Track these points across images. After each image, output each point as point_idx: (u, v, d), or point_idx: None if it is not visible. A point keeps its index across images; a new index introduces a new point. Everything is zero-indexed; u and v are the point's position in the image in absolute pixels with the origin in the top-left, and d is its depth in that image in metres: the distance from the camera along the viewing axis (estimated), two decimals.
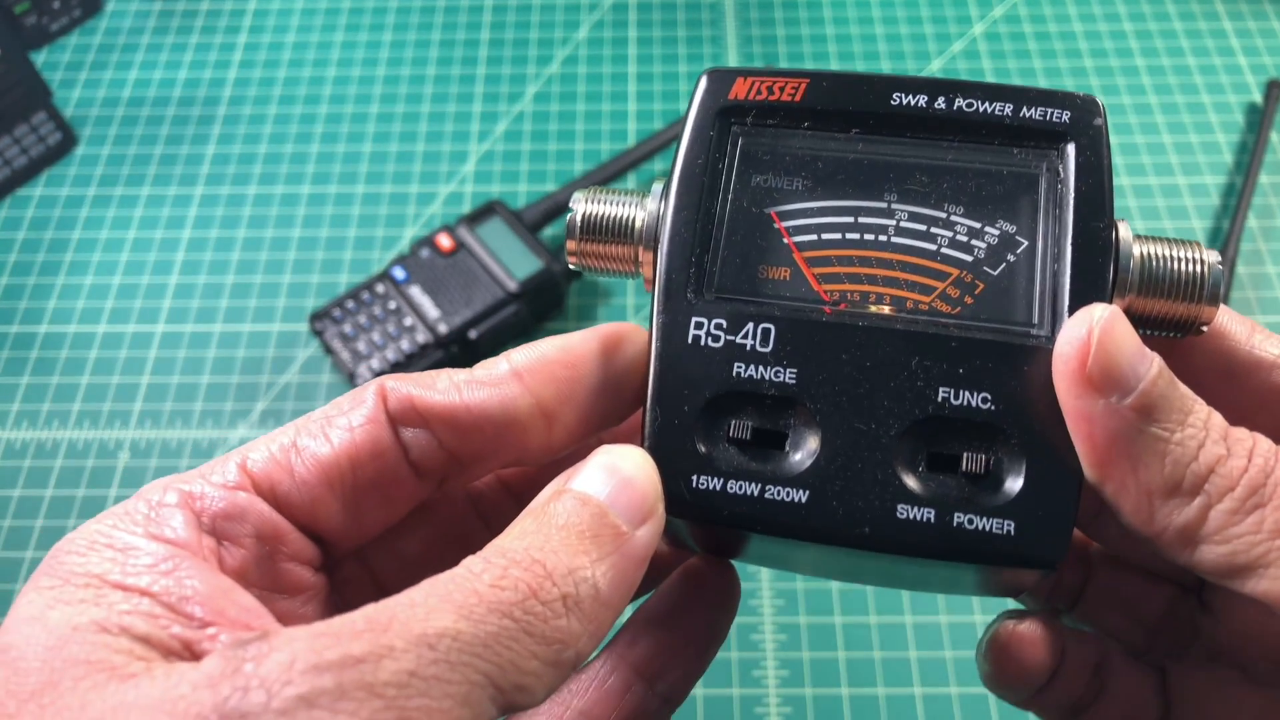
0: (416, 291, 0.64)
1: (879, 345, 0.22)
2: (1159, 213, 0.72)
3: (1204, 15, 0.83)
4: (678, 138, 0.24)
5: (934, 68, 0.80)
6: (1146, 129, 0.76)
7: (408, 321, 0.63)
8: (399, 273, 0.65)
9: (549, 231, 0.70)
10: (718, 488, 0.22)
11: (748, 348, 0.22)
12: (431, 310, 0.63)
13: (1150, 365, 0.21)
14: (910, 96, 0.23)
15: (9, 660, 0.19)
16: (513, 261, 0.65)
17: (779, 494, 0.22)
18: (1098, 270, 0.22)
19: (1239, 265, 0.67)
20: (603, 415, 0.25)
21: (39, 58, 0.82)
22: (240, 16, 0.85)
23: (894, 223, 0.23)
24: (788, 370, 0.22)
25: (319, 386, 0.65)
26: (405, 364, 0.62)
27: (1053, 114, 0.23)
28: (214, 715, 0.17)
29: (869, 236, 0.23)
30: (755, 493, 0.22)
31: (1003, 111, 0.23)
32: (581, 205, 0.24)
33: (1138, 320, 0.24)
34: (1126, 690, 0.28)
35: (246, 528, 0.22)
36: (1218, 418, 0.22)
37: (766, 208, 0.24)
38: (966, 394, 0.22)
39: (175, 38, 0.84)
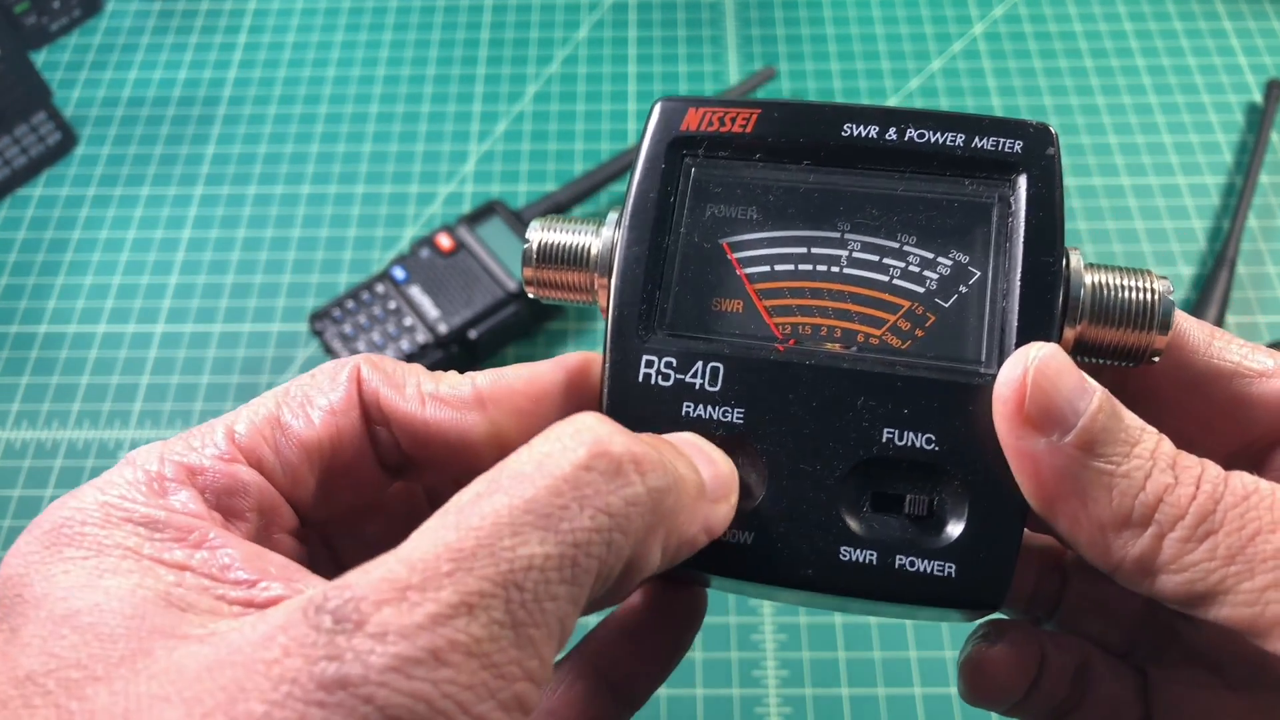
0: (416, 291, 0.64)
1: (826, 384, 0.22)
2: (1159, 213, 0.72)
3: (1204, 15, 0.83)
4: (631, 167, 0.24)
5: (934, 67, 0.80)
6: (1146, 129, 0.76)
7: (408, 321, 0.63)
8: (399, 273, 0.65)
9: None
10: None
11: (696, 387, 0.23)
12: (431, 310, 0.63)
13: (1090, 399, 0.21)
14: (861, 127, 0.23)
15: (86, 626, 0.18)
16: (512, 261, 0.65)
17: (726, 535, 0.22)
18: (1045, 305, 0.22)
19: (1239, 265, 0.67)
20: None
21: (39, 58, 0.82)
22: (240, 16, 0.85)
23: (846, 253, 0.23)
24: (735, 410, 0.22)
25: None
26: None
27: (1005, 144, 0.23)
28: (312, 685, 0.16)
29: (821, 268, 0.23)
30: None
31: (954, 142, 0.23)
32: (537, 235, 0.25)
33: (1090, 349, 0.24)
34: (1108, 693, 0.28)
35: (249, 502, 0.22)
36: (1166, 445, 0.22)
37: (719, 239, 0.24)
38: (911, 434, 0.22)
39: (175, 38, 0.84)
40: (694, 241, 0.24)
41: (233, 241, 0.72)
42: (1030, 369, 0.21)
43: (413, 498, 0.28)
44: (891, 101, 0.78)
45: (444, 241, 0.66)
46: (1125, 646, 0.29)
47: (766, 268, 0.23)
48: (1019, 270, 0.22)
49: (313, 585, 0.20)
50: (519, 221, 0.66)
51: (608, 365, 0.23)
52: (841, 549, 0.22)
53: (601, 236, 0.24)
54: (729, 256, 0.23)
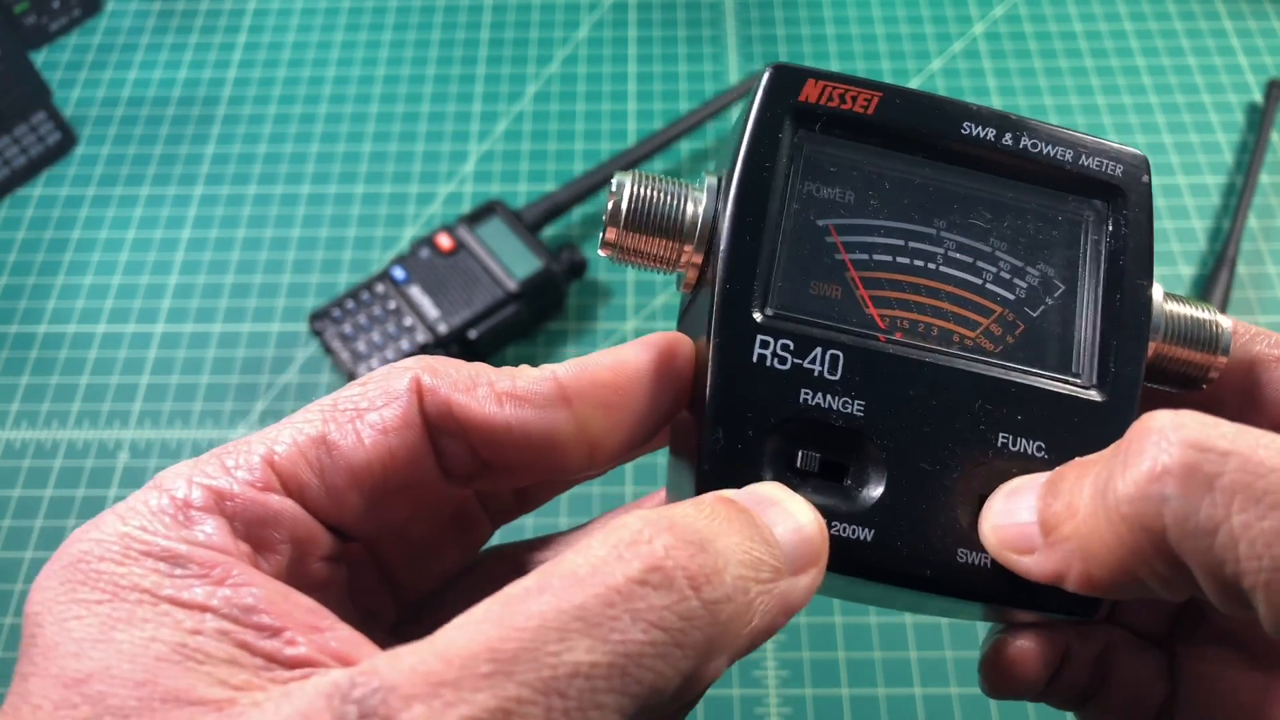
0: (416, 291, 0.64)
1: (944, 384, 0.22)
2: (1160, 212, 0.72)
3: (1204, 15, 0.83)
4: (738, 133, 0.23)
5: (934, 67, 0.80)
6: (1147, 129, 0.76)
7: (407, 321, 0.63)
8: (398, 272, 0.65)
9: (549, 231, 0.70)
10: None
11: (815, 374, 0.22)
12: (431, 310, 0.63)
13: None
14: (980, 128, 0.23)
15: (95, 696, 0.17)
16: (512, 261, 0.65)
17: (845, 531, 0.22)
18: (1139, 327, 0.23)
19: (1239, 265, 0.67)
20: (647, 439, 0.23)
21: (39, 57, 0.82)
22: (240, 16, 0.85)
23: (943, 251, 0.23)
24: (856, 402, 0.22)
25: (318, 386, 0.65)
26: None
27: (1108, 166, 0.23)
28: None
29: (919, 262, 0.23)
30: None
31: (1064, 156, 0.23)
32: (629, 188, 0.23)
33: (1157, 370, 0.24)
34: (1132, 675, 0.28)
35: (282, 534, 0.21)
36: None
37: (825, 220, 0.23)
38: (1024, 440, 0.22)
39: (174, 37, 0.84)
40: (804, 218, 0.23)
41: (232, 241, 0.72)
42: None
43: (461, 495, 0.27)
44: None
45: (444, 241, 0.66)
46: (1167, 630, 0.29)
47: (867, 255, 0.23)
48: (1116, 289, 0.23)
49: (339, 635, 0.19)
50: (518, 221, 0.66)
51: (715, 344, 0.22)
52: (959, 550, 0.22)
53: (700, 203, 0.23)
54: (835, 239, 0.23)
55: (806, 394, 0.21)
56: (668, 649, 0.18)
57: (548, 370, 0.22)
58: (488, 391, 0.22)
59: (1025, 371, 0.23)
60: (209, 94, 0.80)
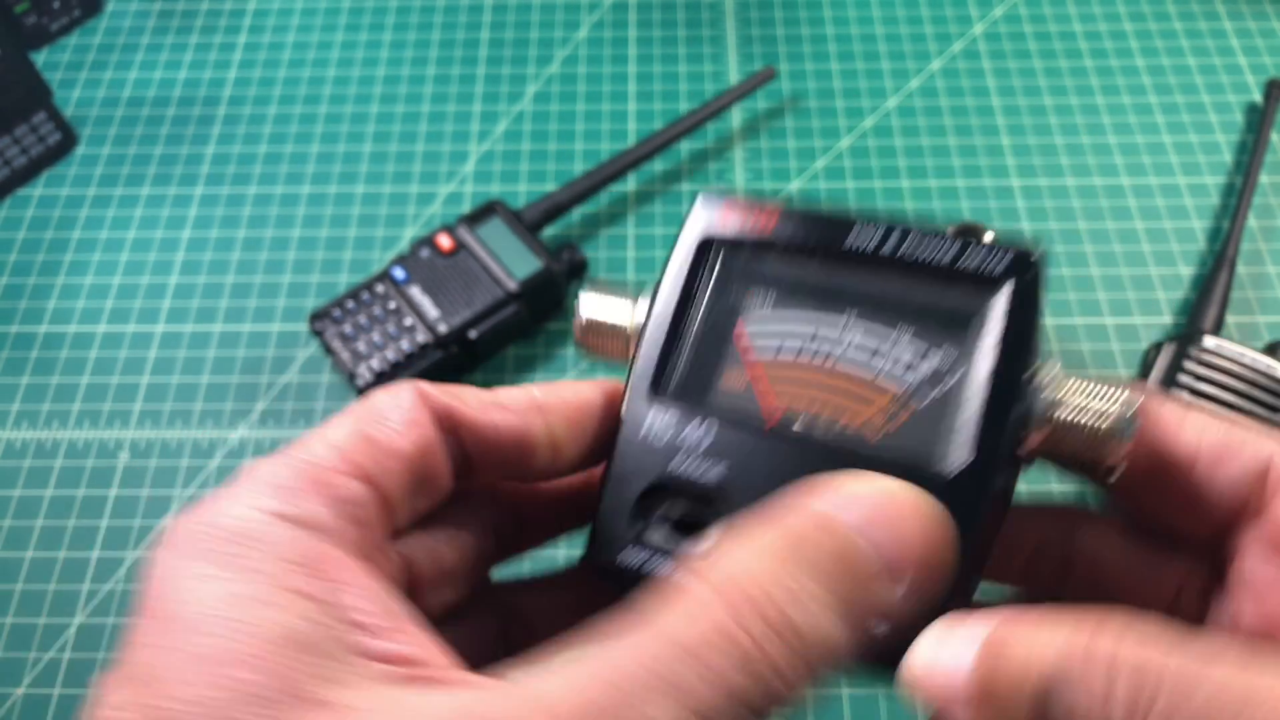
0: (416, 291, 0.64)
1: (799, 456, 0.24)
2: (1159, 212, 0.72)
3: (1204, 15, 0.83)
4: (669, 252, 0.27)
5: (934, 68, 0.80)
6: (1146, 129, 0.76)
7: (408, 321, 0.63)
8: (399, 273, 0.65)
9: (549, 232, 0.70)
10: (640, 564, 0.25)
11: (687, 445, 0.25)
12: (431, 310, 0.63)
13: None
14: (861, 238, 0.25)
15: (235, 682, 0.18)
16: (512, 261, 0.65)
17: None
18: (1004, 417, 0.23)
19: (1239, 265, 0.67)
20: (595, 455, 0.27)
21: (39, 58, 0.82)
22: (240, 17, 0.85)
23: (844, 344, 0.26)
24: (715, 469, 0.24)
25: (319, 386, 0.65)
26: (405, 363, 0.62)
27: (992, 261, 0.25)
28: None
29: (819, 355, 0.25)
30: (671, 571, 0.24)
31: (944, 257, 0.25)
32: (583, 307, 0.28)
33: (1054, 458, 0.24)
34: (1036, 535, 0.28)
35: (369, 524, 0.22)
36: None
37: (734, 318, 0.26)
38: None
39: (175, 38, 0.84)
40: (712, 317, 0.27)
41: (233, 241, 0.72)
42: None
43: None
44: (892, 102, 0.78)
45: (444, 241, 0.66)
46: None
47: (773, 347, 0.26)
48: (988, 381, 0.24)
49: (419, 638, 0.20)
50: (519, 222, 0.67)
51: (623, 416, 0.26)
52: None
53: (636, 311, 0.27)
54: (740, 334, 0.26)
55: (677, 461, 0.25)
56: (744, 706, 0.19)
57: (524, 389, 0.26)
58: (476, 400, 0.25)
59: (892, 450, 0.24)
60: (209, 94, 0.80)
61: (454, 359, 0.63)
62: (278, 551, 0.20)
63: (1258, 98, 0.77)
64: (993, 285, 0.24)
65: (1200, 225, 0.71)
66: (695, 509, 0.25)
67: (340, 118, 0.78)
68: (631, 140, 0.75)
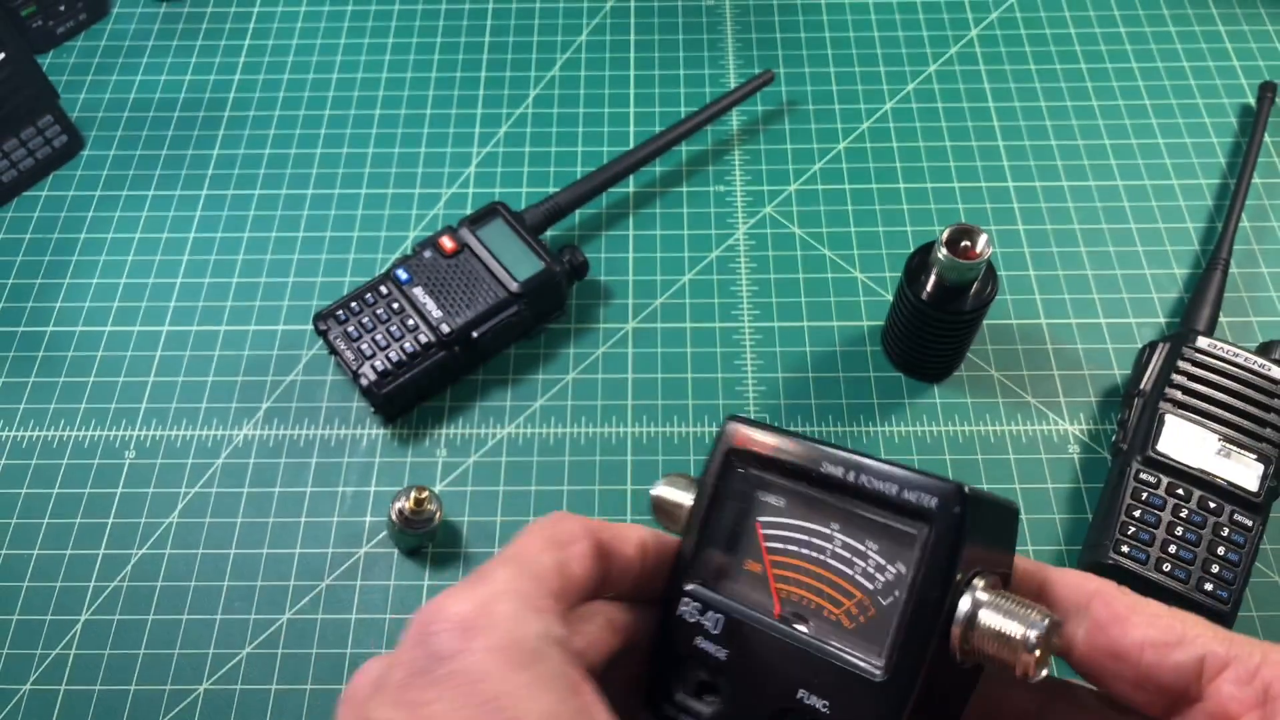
0: (419, 292, 0.65)
1: (780, 646, 0.30)
2: (1153, 214, 0.73)
3: (1198, 18, 0.83)
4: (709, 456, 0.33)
5: (930, 71, 0.81)
6: (1140, 131, 0.77)
7: (411, 322, 0.64)
8: (402, 273, 0.66)
9: (550, 233, 0.71)
10: (675, 716, 0.31)
11: (705, 626, 0.31)
12: (434, 311, 0.64)
13: None
14: (831, 468, 0.30)
15: None
16: (514, 263, 0.65)
17: None
18: (925, 630, 0.28)
19: (1232, 266, 0.68)
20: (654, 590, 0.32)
21: (45, 61, 0.83)
22: (244, 20, 0.86)
23: (832, 547, 0.31)
24: (723, 650, 0.30)
25: (323, 386, 0.66)
26: (409, 363, 0.63)
27: (924, 498, 0.29)
28: None
29: (815, 554, 0.31)
30: None
31: (890, 490, 0.29)
32: (655, 493, 0.34)
33: (979, 661, 0.28)
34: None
35: (595, 641, 0.29)
36: None
37: (753, 519, 0.32)
38: (815, 698, 0.29)
39: (180, 41, 0.85)
40: (734, 518, 0.32)
41: (238, 243, 0.73)
42: None
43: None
44: (889, 105, 0.79)
45: (447, 243, 0.66)
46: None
47: (781, 544, 0.31)
48: (913, 601, 0.28)
49: None
50: (520, 223, 0.67)
51: (665, 596, 0.32)
52: None
53: (688, 503, 0.33)
54: (759, 532, 0.32)
55: (698, 640, 0.31)
56: None
57: (639, 531, 0.32)
58: (622, 534, 0.31)
59: (846, 649, 0.29)
60: (214, 97, 0.81)
61: (456, 359, 0.64)
62: (564, 671, 0.25)
63: (1251, 100, 0.78)
64: (925, 519, 0.29)
65: (1194, 226, 0.72)
66: (712, 677, 0.31)
67: (344, 120, 0.79)
68: (632, 143, 0.76)
